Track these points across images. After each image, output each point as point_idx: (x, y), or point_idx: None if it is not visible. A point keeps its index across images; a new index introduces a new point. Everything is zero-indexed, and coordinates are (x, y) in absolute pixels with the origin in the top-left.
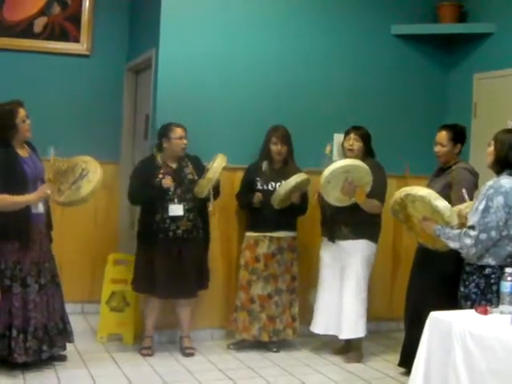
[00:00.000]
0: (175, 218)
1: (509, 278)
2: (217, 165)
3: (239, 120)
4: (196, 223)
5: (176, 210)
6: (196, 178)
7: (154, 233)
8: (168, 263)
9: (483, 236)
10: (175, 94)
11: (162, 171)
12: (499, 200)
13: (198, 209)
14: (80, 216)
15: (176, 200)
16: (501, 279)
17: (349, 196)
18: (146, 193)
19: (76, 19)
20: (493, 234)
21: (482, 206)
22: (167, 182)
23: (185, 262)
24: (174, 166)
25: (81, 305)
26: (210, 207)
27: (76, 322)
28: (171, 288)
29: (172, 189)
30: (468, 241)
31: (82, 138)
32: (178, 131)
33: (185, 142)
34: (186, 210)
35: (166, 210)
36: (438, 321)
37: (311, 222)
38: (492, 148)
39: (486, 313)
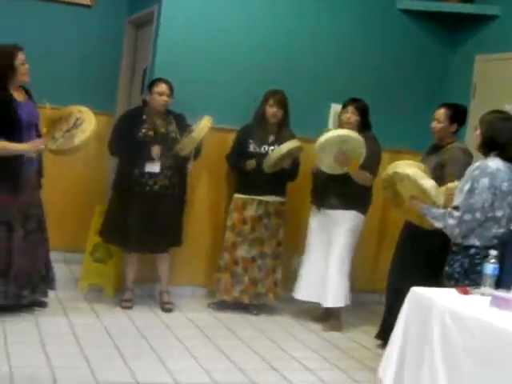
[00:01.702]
0: (153, 174)
1: (492, 261)
2: (202, 126)
3: (236, 82)
4: (173, 181)
5: (153, 166)
6: (178, 136)
7: (130, 185)
8: (141, 217)
9: (467, 217)
10: (174, 52)
11: (145, 126)
12: (485, 181)
13: (177, 167)
14: (70, 165)
15: (155, 157)
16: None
17: (341, 165)
18: (125, 145)
19: None
20: (477, 215)
21: (467, 187)
22: (156, 151)
23: (158, 218)
24: (158, 122)
25: (63, 254)
26: (190, 167)
27: (58, 271)
28: (141, 242)
29: (153, 145)
30: (451, 221)
31: (79, 87)
32: (161, 86)
33: (165, 98)
34: (164, 168)
35: (145, 165)
36: (419, 296)
37: (301, 188)
38: (479, 131)
39: (466, 293)
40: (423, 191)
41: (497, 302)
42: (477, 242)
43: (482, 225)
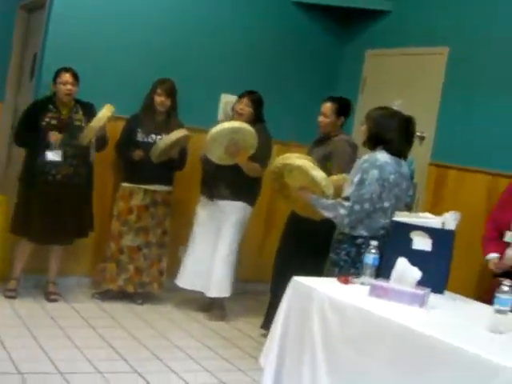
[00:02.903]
0: (55, 163)
1: (373, 251)
2: (100, 115)
3: (127, 70)
4: (78, 170)
5: (53, 155)
6: (83, 125)
7: (33, 175)
8: (45, 207)
9: (357, 207)
10: (66, 37)
11: (50, 115)
12: (374, 173)
13: (83, 156)
14: None
15: (55, 145)
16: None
17: (232, 157)
18: (29, 135)
19: None
20: (366, 205)
21: (356, 179)
22: (53, 137)
23: (63, 208)
24: (63, 111)
25: None
26: (93, 156)
27: None
28: (45, 233)
29: (58, 143)
30: (342, 211)
31: None
32: (64, 76)
33: (69, 87)
34: (67, 157)
35: (46, 154)
36: (300, 285)
37: (188, 178)
38: (364, 126)
39: (346, 282)
40: (313, 182)
41: (376, 292)
42: (364, 233)
43: (370, 215)
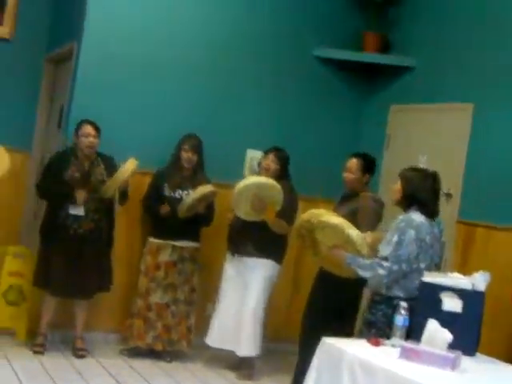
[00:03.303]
0: (77, 217)
1: (402, 312)
2: (124, 168)
3: (153, 125)
4: (100, 224)
5: (76, 209)
6: (105, 178)
7: (55, 229)
8: (66, 261)
9: (395, 267)
10: (92, 89)
11: (72, 168)
12: (411, 233)
13: (105, 210)
14: None
15: (80, 202)
16: (408, 311)
17: (258, 213)
18: (52, 188)
19: (1, 1)
20: (403, 266)
21: (395, 239)
22: (80, 195)
23: (84, 262)
24: (85, 163)
25: None
26: (116, 210)
27: None
28: (66, 287)
29: (78, 188)
30: (381, 271)
31: None
32: (86, 128)
33: (91, 140)
34: (89, 210)
35: (69, 207)
36: (330, 346)
37: (216, 234)
38: (398, 185)
39: (377, 344)
40: (348, 240)
41: (406, 354)
42: (400, 294)
43: (406, 276)
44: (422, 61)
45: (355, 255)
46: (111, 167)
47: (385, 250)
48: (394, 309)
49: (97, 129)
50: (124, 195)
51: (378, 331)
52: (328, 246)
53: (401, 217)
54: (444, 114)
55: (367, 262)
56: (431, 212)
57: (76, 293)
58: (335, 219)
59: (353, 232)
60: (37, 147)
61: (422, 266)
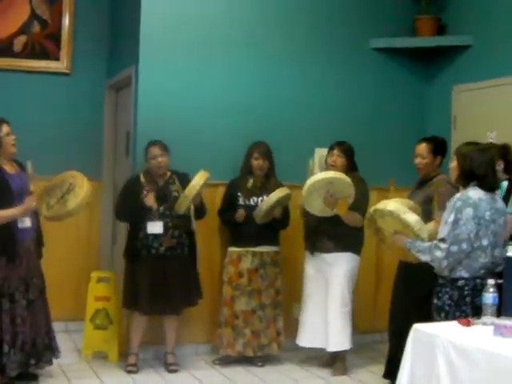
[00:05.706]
0: (157, 235)
1: (491, 290)
2: (194, 182)
3: (220, 136)
4: (181, 240)
5: (154, 227)
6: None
7: (137, 249)
8: (151, 280)
9: (454, 248)
10: (155, 111)
11: (146, 189)
12: (468, 212)
13: (184, 226)
14: (62, 233)
15: (157, 217)
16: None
17: (331, 208)
18: (129, 211)
19: (56, 37)
20: (464, 246)
21: (451, 219)
22: (149, 200)
23: (169, 279)
24: (160, 182)
25: (64, 323)
26: (194, 225)
27: (60, 341)
28: (154, 304)
29: (155, 206)
30: (439, 253)
31: (64, 156)
32: (152, 151)
33: (159, 160)
34: (169, 227)
35: (147, 226)
36: (421, 333)
37: (294, 235)
38: (455, 163)
39: (468, 324)
40: (406, 226)
41: (500, 331)
42: (465, 274)
43: (469, 255)
44: (478, 38)
45: (414, 240)
46: (186, 183)
47: (442, 231)
48: (460, 290)
49: (163, 147)
50: (200, 209)
51: (447, 316)
52: (390, 233)
53: (457, 195)
54: (508, 87)
55: (426, 245)
56: (491, 186)
57: (164, 310)
58: (391, 205)
59: (409, 216)
60: (107, 176)
61: (485, 243)
